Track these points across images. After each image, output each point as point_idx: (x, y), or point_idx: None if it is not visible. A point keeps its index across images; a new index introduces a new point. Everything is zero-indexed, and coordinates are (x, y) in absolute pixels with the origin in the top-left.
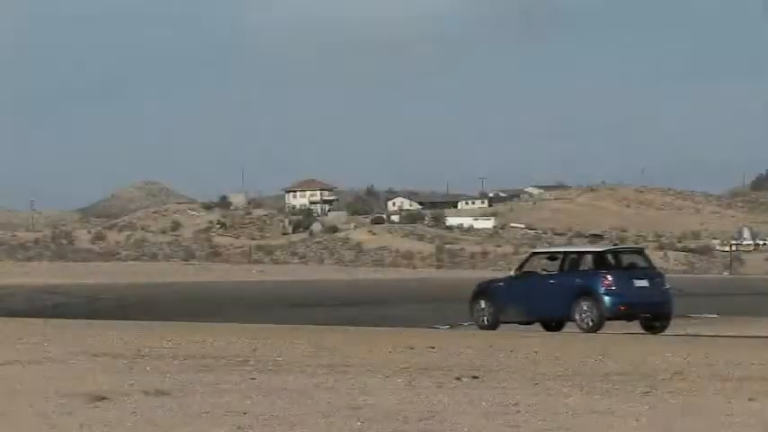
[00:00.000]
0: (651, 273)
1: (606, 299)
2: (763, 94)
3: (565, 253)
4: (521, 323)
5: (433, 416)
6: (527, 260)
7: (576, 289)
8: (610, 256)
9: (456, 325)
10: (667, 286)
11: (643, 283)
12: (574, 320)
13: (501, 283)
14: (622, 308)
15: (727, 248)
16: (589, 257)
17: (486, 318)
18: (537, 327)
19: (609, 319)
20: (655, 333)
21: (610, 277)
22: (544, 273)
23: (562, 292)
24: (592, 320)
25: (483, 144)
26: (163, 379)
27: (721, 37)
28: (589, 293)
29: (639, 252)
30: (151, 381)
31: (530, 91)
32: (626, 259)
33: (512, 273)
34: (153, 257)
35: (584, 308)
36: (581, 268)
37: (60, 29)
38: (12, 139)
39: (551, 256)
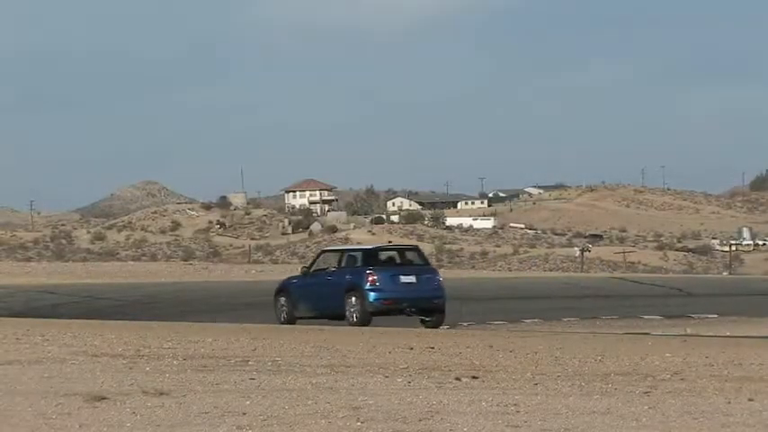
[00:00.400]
0: (421, 269)
1: (370, 294)
2: (763, 94)
3: (342, 251)
4: (311, 318)
5: (433, 416)
6: (317, 258)
7: (345, 285)
8: (380, 254)
9: (456, 325)
10: (438, 282)
11: (410, 279)
12: (344, 316)
13: (295, 281)
14: (386, 303)
15: (727, 248)
16: (360, 255)
17: (283, 314)
18: (537, 327)
19: (374, 314)
20: (428, 327)
21: (374, 274)
22: (327, 270)
23: (335, 289)
24: (357, 315)
25: (483, 144)
26: (162, 379)
27: (722, 37)
28: (355, 289)
29: (413, 250)
30: (151, 381)
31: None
32: (398, 257)
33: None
34: (152, 257)
35: (352, 303)
36: (353, 266)
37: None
38: (12, 139)
39: (335, 255)
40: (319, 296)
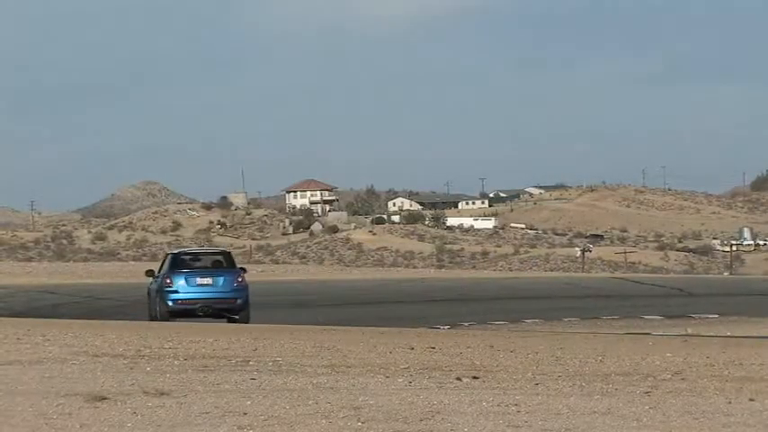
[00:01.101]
0: (221, 272)
1: (167, 296)
2: (763, 94)
3: (165, 255)
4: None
5: (434, 416)
6: (162, 262)
7: (155, 288)
8: (186, 258)
9: (456, 325)
10: (237, 284)
11: (207, 281)
12: (157, 317)
13: (150, 283)
14: (180, 303)
15: (728, 249)
16: (168, 260)
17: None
18: (538, 327)
19: (172, 314)
20: (233, 322)
21: (170, 278)
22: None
23: (152, 292)
24: (159, 315)
25: (483, 144)
26: (163, 379)
27: (722, 37)
28: (159, 292)
29: (221, 253)
30: (152, 381)
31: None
32: (204, 260)
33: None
34: (153, 258)
35: (158, 304)
36: (163, 270)
37: (61, 28)
38: (12, 139)
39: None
40: (151, 299)
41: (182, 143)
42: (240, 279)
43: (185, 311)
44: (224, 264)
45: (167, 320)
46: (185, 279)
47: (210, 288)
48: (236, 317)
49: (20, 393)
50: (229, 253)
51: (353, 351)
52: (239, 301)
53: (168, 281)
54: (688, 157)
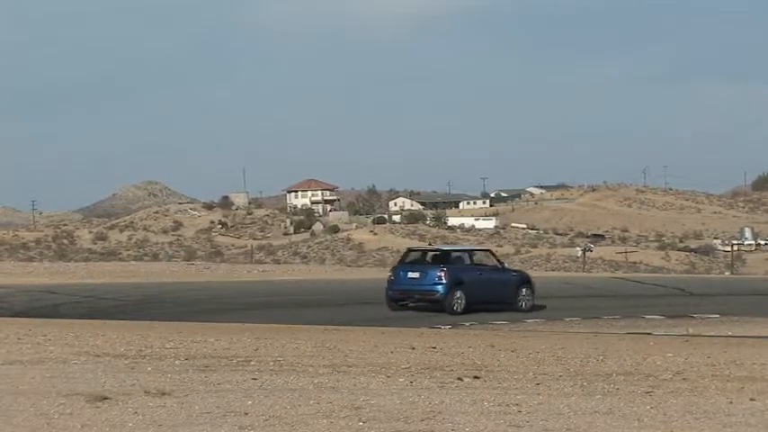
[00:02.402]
0: (428, 267)
1: (388, 285)
2: (763, 94)
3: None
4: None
5: (435, 416)
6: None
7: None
8: (410, 254)
9: (457, 325)
10: (438, 278)
11: (415, 274)
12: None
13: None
14: (395, 293)
15: (729, 248)
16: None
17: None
18: (539, 327)
19: (390, 300)
20: (439, 311)
21: (393, 270)
22: None
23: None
24: (386, 301)
25: (484, 144)
26: (164, 379)
27: (722, 37)
28: (387, 281)
29: (437, 251)
30: (153, 381)
31: (531, 91)
32: (423, 256)
33: None
34: (154, 257)
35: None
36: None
37: (61, 28)
38: (13, 139)
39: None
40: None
41: (183, 143)
42: (441, 274)
43: (398, 299)
44: (436, 260)
45: (389, 306)
46: (402, 272)
47: (417, 281)
48: (440, 307)
49: (21, 393)
50: (447, 251)
51: (354, 351)
52: (438, 295)
53: (391, 273)
54: (689, 157)
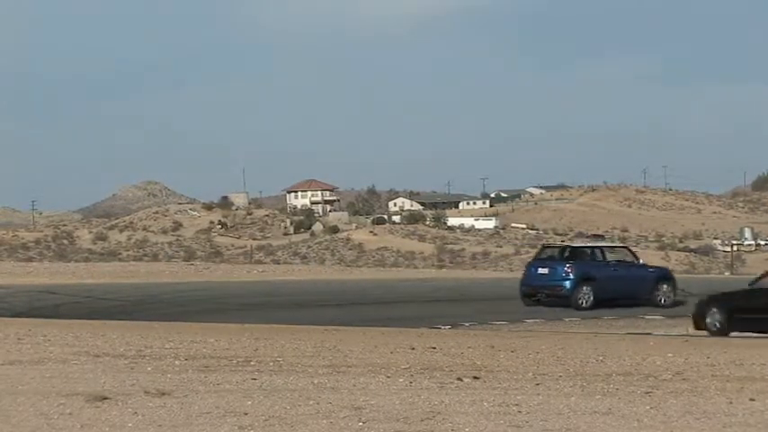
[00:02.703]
0: (556, 263)
1: (521, 280)
2: (765, 93)
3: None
4: None
5: (435, 416)
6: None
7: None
8: (544, 250)
9: (457, 325)
10: (565, 274)
11: (544, 270)
12: None
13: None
14: (526, 288)
15: (729, 249)
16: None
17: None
18: (539, 327)
19: (522, 295)
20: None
21: (526, 267)
22: None
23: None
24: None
25: (484, 144)
26: (164, 379)
27: (723, 37)
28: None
29: (566, 248)
30: (152, 381)
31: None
32: (554, 252)
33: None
34: (154, 258)
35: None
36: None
37: (61, 28)
38: (13, 139)
39: None
40: None
41: (183, 143)
42: (568, 270)
43: (530, 294)
44: (566, 256)
45: (523, 302)
46: (533, 268)
47: (546, 277)
48: (566, 302)
49: (21, 393)
50: (577, 247)
51: (354, 351)
52: (564, 290)
53: (525, 269)
54: (689, 157)
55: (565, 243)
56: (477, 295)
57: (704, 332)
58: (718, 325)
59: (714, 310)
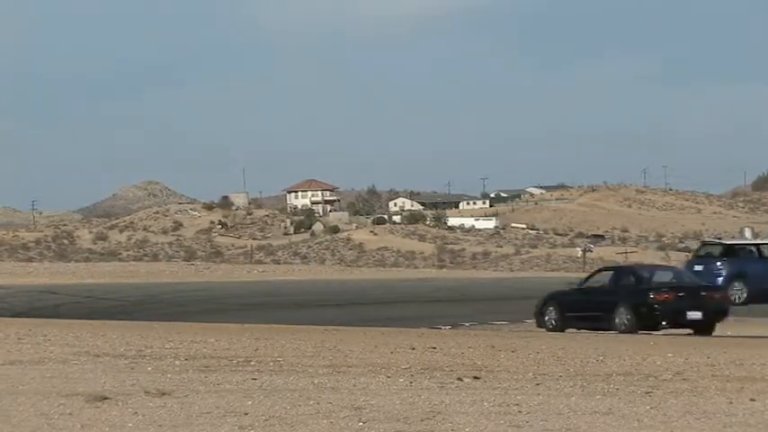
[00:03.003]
0: (709, 260)
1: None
2: (765, 93)
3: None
4: None
5: (435, 416)
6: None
7: None
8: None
9: (457, 325)
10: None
11: (700, 267)
12: None
13: None
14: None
15: None
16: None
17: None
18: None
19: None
20: None
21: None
22: None
23: None
24: None
25: (484, 144)
26: (164, 379)
27: (723, 37)
28: None
29: (722, 244)
30: (153, 381)
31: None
32: (705, 250)
33: None
34: (154, 258)
35: None
36: None
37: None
38: (13, 139)
39: None
40: None
41: (183, 143)
42: (720, 266)
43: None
44: (720, 253)
45: None
46: (691, 265)
47: (701, 274)
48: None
49: (21, 393)
50: (731, 244)
51: (354, 351)
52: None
53: (685, 266)
54: (689, 157)
55: (719, 240)
56: (477, 295)
57: (543, 329)
58: (554, 322)
59: (551, 308)
